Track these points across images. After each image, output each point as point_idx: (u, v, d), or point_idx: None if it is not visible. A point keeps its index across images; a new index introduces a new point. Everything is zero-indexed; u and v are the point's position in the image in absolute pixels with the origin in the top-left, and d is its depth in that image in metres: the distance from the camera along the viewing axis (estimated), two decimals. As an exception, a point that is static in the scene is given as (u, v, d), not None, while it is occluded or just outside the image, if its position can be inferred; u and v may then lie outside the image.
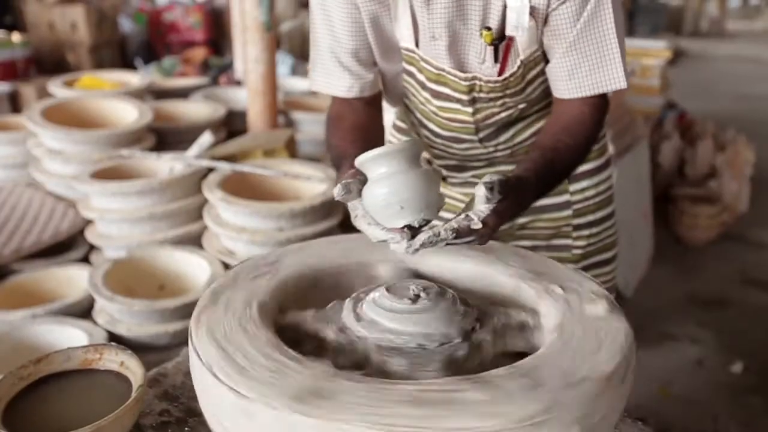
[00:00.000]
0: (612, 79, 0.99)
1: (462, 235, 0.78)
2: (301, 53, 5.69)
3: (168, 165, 1.95)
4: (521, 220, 1.19)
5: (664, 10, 9.93)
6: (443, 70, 1.04)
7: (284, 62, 4.16)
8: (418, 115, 1.15)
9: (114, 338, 1.57)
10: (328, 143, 1.12)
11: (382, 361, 0.71)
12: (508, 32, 0.99)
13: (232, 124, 2.47)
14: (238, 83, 3.08)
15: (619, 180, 2.50)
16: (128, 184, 1.82)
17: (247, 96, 2.35)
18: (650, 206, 3.00)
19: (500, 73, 1.02)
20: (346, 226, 1.71)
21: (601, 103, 1.03)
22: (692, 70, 7.61)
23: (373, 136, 1.08)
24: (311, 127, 2.48)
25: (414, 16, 1.02)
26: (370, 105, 1.12)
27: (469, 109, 1.07)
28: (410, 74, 1.09)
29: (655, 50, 3.61)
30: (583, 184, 1.18)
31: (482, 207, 0.79)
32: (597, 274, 1.22)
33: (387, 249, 0.80)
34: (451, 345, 0.72)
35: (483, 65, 1.02)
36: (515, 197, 0.83)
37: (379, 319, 0.74)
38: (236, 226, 1.74)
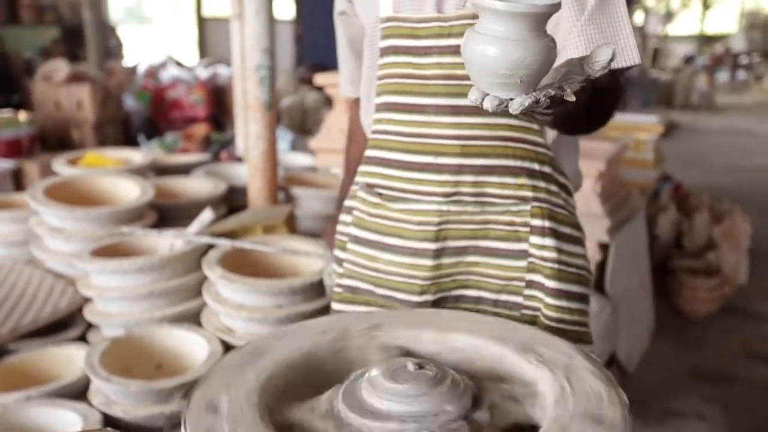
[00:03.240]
0: (628, 55, 1.02)
1: (553, 104, 0.73)
2: (300, 128, 5.82)
3: (168, 242, 1.96)
4: (469, 259, 1.13)
5: (655, 85, 10.22)
6: (428, 18, 1.08)
7: (284, 138, 4.25)
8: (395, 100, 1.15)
9: (109, 420, 1.54)
10: (345, 152, 1.42)
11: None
12: None
13: (232, 200, 2.49)
14: (239, 159, 3.13)
15: (617, 253, 2.52)
16: (128, 262, 1.82)
17: (247, 172, 2.38)
18: (649, 279, 3.00)
19: None
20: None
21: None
22: (685, 142, 7.75)
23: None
24: (311, 203, 2.50)
25: None
26: None
27: (457, 59, 1.03)
28: (392, 50, 1.13)
29: (647, 125, 3.69)
30: (546, 241, 1.11)
31: (593, 72, 0.73)
32: None
33: (370, 327, 0.78)
34: (453, 424, 0.71)
35: (462, 11, 1.06)
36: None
37: (380, 406, 0.73)
38: (235, 303, 1.73)
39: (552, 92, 0.71)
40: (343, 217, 1.28)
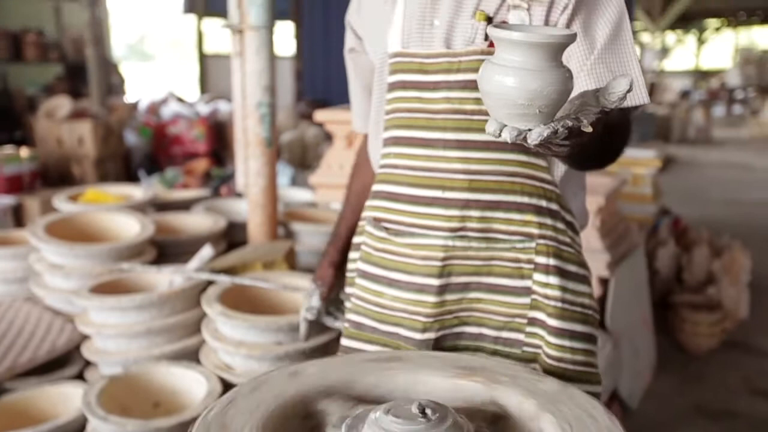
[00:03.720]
0: (637, 95, 1.04)
1: (571, 136, 0.73)
2: (300, 163, 5.85)
3: (168, 278, 1.96)
4: (472, 295, 1.13)
5: (653, 119, 10.31)
6: (437, 54, 1.10)
7: (284, 173, 4.27)
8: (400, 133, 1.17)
9: (105, 460, 1.52)
10: (348, 181, 1.43)
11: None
12: (501, 18, 1.06)
13: (232, 236, 2.50)
14: (239, 195, 3.14)
15: (617, 288, 2.52)
16: (127, 299, 1.82)
17: (247, 208, 2.39)
18: (650, 313, 2.99)
19: (490, 46, 1.06)
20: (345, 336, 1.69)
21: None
22: (683, 176, 7.79)
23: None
24: (311, 239, 2.50)
25: (406, 14, 1.14)
26: None
27: (466, 94, 1.08)
28: (400, 85, 1.15)
29: (645, 160, 3.71)
30: (551, 279, 1.10)
31: (608, 103, 0.74)
32: None
33: (372, 367, 0.78)
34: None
35: (471, 47, 1.07)
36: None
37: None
38: (234, 340, 1.72)
39: (569, 123, 0.71)
40: (352, 254, 1.29)
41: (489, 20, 1.07)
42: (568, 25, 1.06)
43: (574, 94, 0.95)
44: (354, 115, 1.41)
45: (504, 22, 1.06)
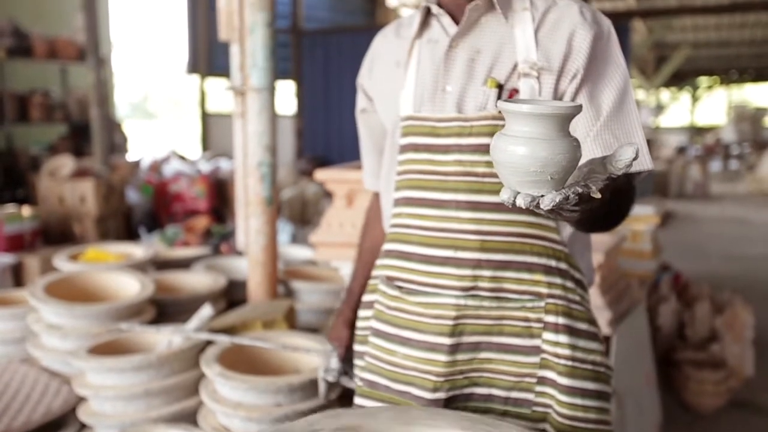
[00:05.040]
0: (642, 161, 1.07)
1: (581, 201, 0.76)
2: (300, 219, 5.88)
3: (167, 338, 1.95)
4: (482, 355, 1.13)
5: (650, 175, 10.39)
6: (449, 118, 1.12)
7: (284, 230, 4.29)
8: (412, 197, 1.19)
9: None
10: (360, 239, 1.46)
11: None
12: (511, 85, 1.08)
13: (232, 294, 2.49)
14: (239, 253, 3.15)
15: (619, 345, 2.49)
16: (125, 360, 1.80)
17: (247, 266, 2.39)
18: (654, 371, 2.95)
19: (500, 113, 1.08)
20: (346, 397, 1.67)
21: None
22: (682, 231, 7.80)
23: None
24: (311, 297, 2.49)
25: (418, 79, 1.17)
26: None
27: (477, 157, 1.11)
28: (412, 147, 1.17)
29: (644, 216, 3.73)
30: (560, 338, 1.11)
31: (615, 170, 0.76)
32: None
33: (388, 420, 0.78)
34: None
35: (482, 112, 1.10)
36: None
37: None
38: (232, 402, 1.70)
39: (579, 189, 0.74)
40: (362, 312, 1.30)
41: (500, 87, 1.10)
42: (576, 93, 1.10)
43: (581, 161, 0.98)
44: (365, 173, 1.44)
45: (515, 90, 1.09)
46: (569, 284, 1.14)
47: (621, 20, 7.28)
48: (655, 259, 3.70)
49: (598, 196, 0.76)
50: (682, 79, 18.31)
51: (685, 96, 19.87)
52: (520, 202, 0.74)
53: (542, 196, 0.73)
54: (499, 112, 1.09)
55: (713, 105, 21.60)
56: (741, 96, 21.48)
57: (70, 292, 2.14)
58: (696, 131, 19.06)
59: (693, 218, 8.90)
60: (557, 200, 0.73)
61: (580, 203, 0.77)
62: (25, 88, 6.65)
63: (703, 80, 19.75)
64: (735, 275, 5.58)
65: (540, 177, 0.72)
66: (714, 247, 6.96)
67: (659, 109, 17.76)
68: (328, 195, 5.33)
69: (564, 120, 0.73)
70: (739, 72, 19.13)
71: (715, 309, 3.58)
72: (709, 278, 4.69)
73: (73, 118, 6.93)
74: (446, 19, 1.18)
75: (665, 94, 19.28)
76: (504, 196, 0.76)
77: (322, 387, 1.48)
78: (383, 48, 1.30)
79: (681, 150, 14.81)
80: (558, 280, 1.13)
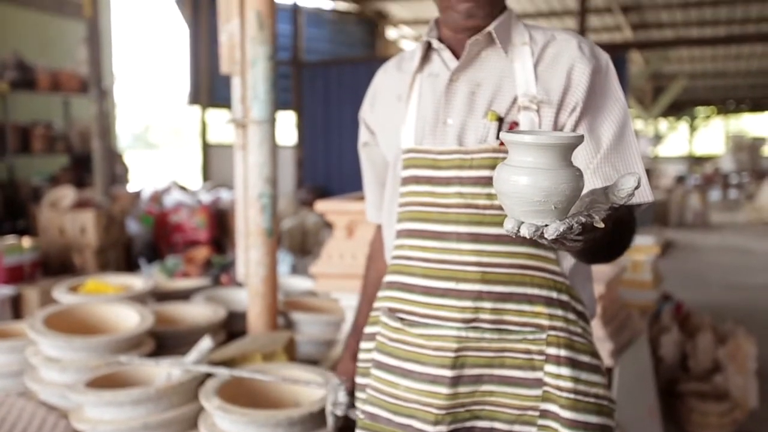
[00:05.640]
0: (642, 193, 1.08)
1: (584, 231, 0.76)
2: (301, 249, 5.87)
3: (166, 371, 1.93)
4: (484, 388, 1.12)
5: (650, 204, 10.41)
6: (449, 151, 1.13)
7: (284, 261, 4.28)
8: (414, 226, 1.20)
9: None
10: (364, 271, 1.46)
11: None
12: (511, 118, 1.09)
13: (232, 325, 2.48)
14: (239, 284, 3.14)
15: (622, 377, 2.47)
16: (123, 393, 1.78)
17: (247, 297, 2.39)
18: (656, 403, 2.92)
19: (501, 144, 1.09)
20: (347, 429, 1.65)
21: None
22: (682, 260, 7.79)
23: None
24: (311, 328, 2.48)
25: (420, 112, 1.18)
26: None
27: (478, 189, 1.11)
28: (413, 179, 1.18)
29: (644, 246, 3.73)
30: (562, 370, 1.10)
31: (618, 199, 0.76)
32: None
33: None
34: None
35: (483, 145, 1.11)
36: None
37: None
38: (232, 436, 1.68)
39: (583, 219, 0.74)
40: (364, 344, 1.29)
41: (500, 120, 1.11)
42: (576, 126, 1.11)
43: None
44: (368, 205, 1.45)
45: (515, 123, 1.11)
46: (571, 316, 1.14)
47: (618, 51, 7.36)
48: (656, 289, 3.69)
49: (602, 225, 0.77)
50: (679, 109, 18.45)
51: (683, 126, 20.01)
52: (524, 231, 0.74)
53: (546, 225, 0.74)
54: (500, 144, 1.10)
55: (711, 135, 21.74)
56: (738, 126, 21.63)
57: (69, 324, 2.13)
58: (694, 161, 19.15)
59: (693, 247, 8.90)
60: (561, 230, 0.73)
61: (584, 233, 0.77)
62: (28, 119, 6.71)
63: (701, 110, 19.91)
64: (737, 305, 5.55)
65: (544, 206, 0.72)
66: (715, 276, 6.94)
67: (657, 138, 17.88)
68: (328, 225, 5.34)
69: (566, 150, 0.73)
70: (736, 102, 19.29)
71: (718, 339, 3.56)
72: (710, 308, 4.67)
73: (75, 149, 6.97)
74: (447, 54, 1.20)
75: (663, 124, 19.42)
76: (508, 226, 0.76)
77: (330, 421, 1.47)
78: (385, 82, 1.32)
79: (680, 179, 14.86)
80: (559, 312, 1.13)
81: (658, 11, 9.71)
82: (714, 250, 8.70)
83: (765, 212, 11.50)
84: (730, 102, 19.30)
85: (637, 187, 0.76)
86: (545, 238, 0.74)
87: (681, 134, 20.19)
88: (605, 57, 1.16)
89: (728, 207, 13.62)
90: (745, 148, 17.83)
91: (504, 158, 1.03)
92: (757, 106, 19.60)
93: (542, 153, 0.72)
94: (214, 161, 9.61)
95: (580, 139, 0.74)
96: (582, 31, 7.47)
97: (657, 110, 15.27)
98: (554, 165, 0.73)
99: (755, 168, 17.00)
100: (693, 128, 19.92)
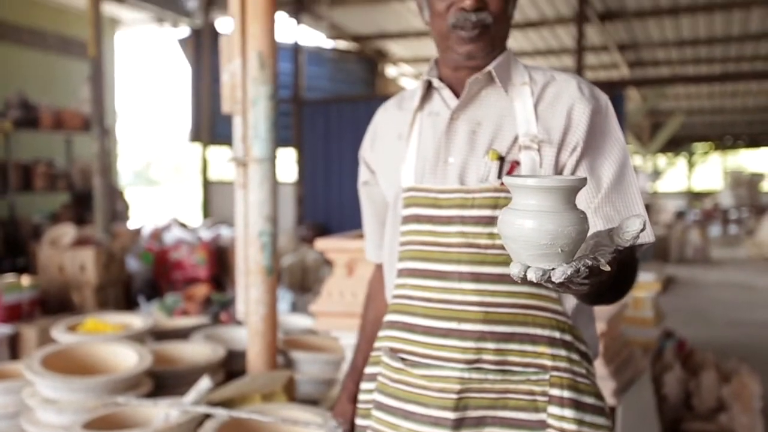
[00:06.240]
0: (643, 234, 1.05)
1: (591, 274, 0.75)
2: (300, 286, 5.85)
3: (164, 412, 1.91)
4: (487, 430, 1.10)
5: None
6: (451, 190, 1.13)
7: (284, 298, 4.27)
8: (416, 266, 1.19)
9: None
10: (363, 311, 1.45)
11: None
12: (512, 157, 1.09)
13: (231, 364, 2.46)
14: (239, 322, 3.12)
15: (625, 416, 2.44)
16: (121, 435, 1.76)
17: (247, 335, 2.37)
18: (662, 443, 2.88)
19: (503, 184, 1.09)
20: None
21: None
22: (683, 296, 7.75)
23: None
24: (311, 368, 2.46)
25: (420, 151, 1.19)
26: None
27: (480, 229, 1.10)
28: (414, 218, 1.17)
29: (645, 283, 3.72)
30: (566, 412, 1.09)
31: (623, 241, 0.76)
32: None
33: None
34: None
35: (484, 184, 1.11)
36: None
37: None
38: (230, 479, 1.66)
39: (589, 262, 0.74)
40: (365, 384, 1.28)
41: (501, 159, 1.12)
42: (577, 165, 1.12)
43: None
44: (367, 244, 1.44)
45: (516, 162, 1.11)
46: (574, 356, 1.13)
47: (615, 89, 7.45)
48: (658, 326, 3.67)
49: (608, 268, 0.76)
50: (678, 144, 18.58)
51: (681, 161, 20.12)
52: (531, 276, 0.74)
53: (553, 269, 0.73)
54: (501, 184, 1.10)
55: (710, 170, 21.85)
56: (736, 161, 21.75)
57: (67, 364, 2.11)
58: (693, 196, 19.21)
59: (695, 283, 8.86)
60: (569, 273, 0.72)
61: (590, 276, 0.77)
62: (31, 157, 6.75)
63: (699, 146, 20.04)
64: (740, 341, 5.51)
65: (550, 250, 0.72)
66: (717, 312, 6.90)
67: (656, 174, 17.95)
68: (328, 262, 5.33)
69: (570, 192, 0.74)
70: (733, 138, 19.44)
71: (722, 377, 3.52)
72: (713, 345, 4.63)
73: (76, 186, 7.00)
74: (447, 92, 1.21)
75: (662, 160, 19.52)
76: (514, 271, 0.75)
77: None
78: (385, 121, 1.33)
79: (680, 215, 14.88)
80: (563, 353, 1.12)
81: (654, 49, 9.85)
82: (715, 286, 8.66)
83: (766, 248, 11.49)
84: (727, 138, 19.44)
85: (642, 230, 0.76)
86: (552, 282, 0.74)
87: (679, 170, 20.28)
88: (604, 98, 1.18)
89: (728, 242, 13.61)
90: (743, 183, 17.89)
91: (505, 197, 1.04)
92: (754, 142, 19.73)
93: (547, 196, 0.73)
94: (214, 198, 9.64)
95: (583, 182, 0.74)
96: (579, 68, 7.56)
97: (655, 146, 15.37)
98: (559, 208, 0.73)
99: (754, 203, 17.03)
100: (691, 164, 20.03)
